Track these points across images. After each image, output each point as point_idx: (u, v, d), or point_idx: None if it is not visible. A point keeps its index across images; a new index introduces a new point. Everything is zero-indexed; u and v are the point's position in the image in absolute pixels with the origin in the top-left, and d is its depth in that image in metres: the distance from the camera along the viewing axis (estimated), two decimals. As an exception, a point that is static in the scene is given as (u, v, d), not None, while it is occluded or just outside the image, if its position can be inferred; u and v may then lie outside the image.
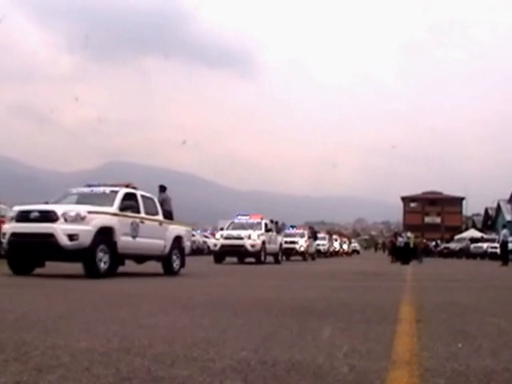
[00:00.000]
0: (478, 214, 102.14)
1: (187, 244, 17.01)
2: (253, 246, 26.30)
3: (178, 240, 16.20)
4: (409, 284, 14.68)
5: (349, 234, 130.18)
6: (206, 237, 50.19)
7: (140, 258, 15.46)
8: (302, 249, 36.36)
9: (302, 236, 37.51)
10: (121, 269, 14.70)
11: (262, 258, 26.57)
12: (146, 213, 15.01)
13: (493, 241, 47.86)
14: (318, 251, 44.01)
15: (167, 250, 15.64)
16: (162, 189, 19.59)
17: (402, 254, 33.62)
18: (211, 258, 28.77)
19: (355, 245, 78.37)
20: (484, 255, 48.66)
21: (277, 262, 29.25)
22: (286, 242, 34.73)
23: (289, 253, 35.59)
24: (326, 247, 47.02)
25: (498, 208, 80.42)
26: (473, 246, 54.58)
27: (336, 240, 57.17)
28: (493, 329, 6.10)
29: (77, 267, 13.08)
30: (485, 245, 50.37)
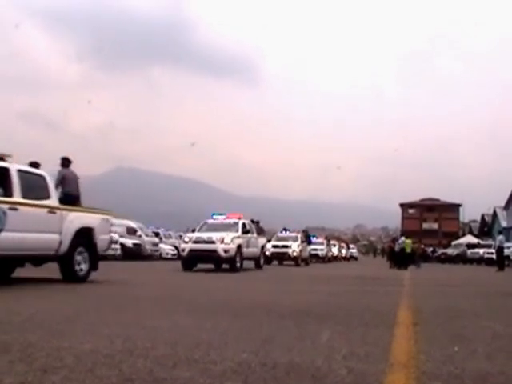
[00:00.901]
0: (474, 221, 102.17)
1: (102, 238, 13.20)
2: (226, 250, 21.56)
3: (84, 233, 12.57)
4: (406, 289, 14.71)
5: (348, 239, 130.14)
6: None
7: (16, 260, 11.93)
8: (295, 253, 34.19)
9: (294, 240, 35.30)
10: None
11: (238, 264, 21.77)
12: (25, 196, 11.06)
13: (489, 246, 47.97)
14: (316, 256, 43.18)
15: (65, 247, 12.04)
16: (65, 162, 15.56)
17: (398, 259, 33.75)
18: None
19: (353, 250, 76.51)
20: (480, 261, 48.73)
21: (258, 267, 25.56)
22: (277, 247, 34.56)
23: (281, 257, 34.52)
24: (323, 252, 45.48)
25: (494, 214, 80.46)
26: (469, 251, 54.61)
27: (334, 245, 55.96)
28: (488, 333, 6.17)
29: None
30: (481, 250, 50.43)
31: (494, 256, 35.71)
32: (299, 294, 11.43)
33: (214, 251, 21.55)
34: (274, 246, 34.77)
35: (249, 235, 24.35)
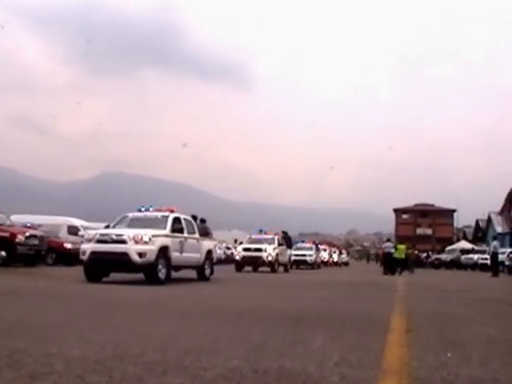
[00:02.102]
0: (468, 226, 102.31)
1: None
2: (141, 254, 22.02)
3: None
4: (400, 294, 14.70)
5: (341, 244, 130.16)
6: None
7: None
8: (270, 258, 29.41)
9: (270, 242, 30.65)
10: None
11: (161, 273, 21.74)
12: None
13: (483, 252, 47.99)
14: (304, 262, 40.81)
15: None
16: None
17: (388, 264, 33.73)
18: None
19: (343, 256, 74.86)
20: (475, 266, 48.75)
21: (202, 278, 23.79)
22: (249, 250, 30.24)
23: (254, 262, 29.96)
24: (312, 258, 42.03)
25: (489, 220, 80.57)
26: (463, 257, 54.69)
27: (325, 250, 54.22)
28: (482, 339, 6.15)
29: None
30: (475, 256, 50.47)
31: (489, 262, 35.73)
32: (292, 300, 11.37)
33: (125, 254, 15.11)
34: (246, 250, 30.51)
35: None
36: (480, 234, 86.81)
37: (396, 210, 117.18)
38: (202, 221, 21.68)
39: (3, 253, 21.33)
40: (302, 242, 46.53)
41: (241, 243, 32.85)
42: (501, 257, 35.27)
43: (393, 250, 34.55)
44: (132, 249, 15.20)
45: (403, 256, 35.14)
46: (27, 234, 22.86)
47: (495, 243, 33.93)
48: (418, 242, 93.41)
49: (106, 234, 15.83)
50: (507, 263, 37.97)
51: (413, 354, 5.00)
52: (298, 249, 42.21)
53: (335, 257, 60.81)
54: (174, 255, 16.42)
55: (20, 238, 22.18)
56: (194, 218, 20.53)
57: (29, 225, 25.05)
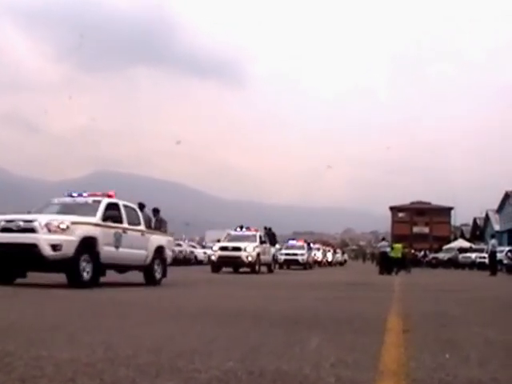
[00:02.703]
0: (466, 224, 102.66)
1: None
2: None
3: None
4: (397, 294, 14.68)
5: (337, 244, 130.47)
6: (194, 247, 50.40)
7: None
8: (250, 258, 26.60)
9: (252, 240, 27.91)
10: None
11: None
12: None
13: (481, 251, 48.07)
14: (295, 262, 39.51)
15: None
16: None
17: (383, 264, 33.79)
18: (202, 268, 28.46)
19: (338, 255, 71.57)
20: (472, 265, 48.82)
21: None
22: (227, 249, 27.58)
23: (233, 263, 27.59)
24: (304, 257, 40.01)
25: (487, 218, 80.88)
26: (461, 256, 54.82)
27: (319, 249, 52.97)
28: (480, 339, 6.12)
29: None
30: (473, 255, 50.56)
31: (487, 260, 35.81)
32: (288, 301, 11.33)
33: (34, 246, 12.12)
34: (223, 249, 27.76)
35: (123, 225, 14.28)
36: (478, 232, 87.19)
37: (392, 208, 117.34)
38: (155, 211, 18.57)
39: None
40: (293, 240, 45.16)
41: (218, 241, 30.08)
42: (499, 255, 35.39)
43: (388, 249, 34.55)
44: (43, 239, 12.09)
45: (400, 255, 35.18)
46: None
47: (493, 241, 34.04)
48: (415, 240, 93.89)
49: (12, 221, 12.65)
50: (505, 262, 38.07)
51: (410, 354, 4.95)
52: (289, 248, 41.31)
53: (329, 256, 59.50)
54: (106, 250, 13.21)
55: None
56: (142, 206, 17.23)
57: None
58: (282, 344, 5.40)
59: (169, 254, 16.37)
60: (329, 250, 61.29)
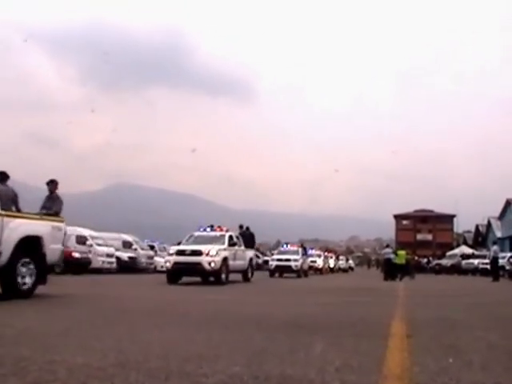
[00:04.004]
0: (468, 231, 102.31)
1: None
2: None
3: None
4: (400, 300, 14.69)
5: (342, 251, 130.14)
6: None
7: None
8: (213, 265, 20.41)
9: (218, 241, 21.99)
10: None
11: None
12: None
13: (483, 257, 47.94)
14: (287, 268, 35.01)
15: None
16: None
17: (387, 270, 33.86)
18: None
19: (341, 262, 67.47)
20: (475, 271, 48.73)
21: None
22: (183, 253, 21.14)
23: (190, 270, 21.02)
24: (298, 263, 35.35)
25: (489, 225, 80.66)
26: (464, 262, 54.67)
27: (320, 256, 49.14)
28: (483, 343, 6.16)
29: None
30: (476, 261, 50.47)
31: (489, 266, 35.71)
32: (293, 306, 11.35)
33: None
34: (180, 253, 21.21)
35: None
36: (480, 238, 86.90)
37: (396, 216, 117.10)
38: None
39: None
40: (286, 244, 40.99)
41: (179, 243, 23.45)
42: (501, 261, 35.32)
43: (392, 256, 34.61)
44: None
45: (404, 262, 35.19)
46: None
47: (495, 248, 33.92)
48: (419, 247, 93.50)
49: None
50: (507, 268, 38.02)
51: (414, 359, 5.01)
52: (282, 253, 37.59)
53: (331, 263, 55.17)
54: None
55: None
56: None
57: None
58: (286, 349, 5.46)
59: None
60: (331, 257, 57.41)
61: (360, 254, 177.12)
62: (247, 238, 25.65)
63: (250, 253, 24.91)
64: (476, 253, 59.57)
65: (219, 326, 7.47)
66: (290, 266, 35.46)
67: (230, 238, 22.95)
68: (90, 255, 30.41)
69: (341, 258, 71.51)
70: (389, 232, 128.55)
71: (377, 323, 8.18)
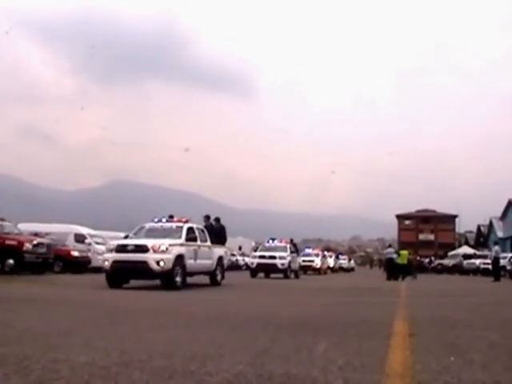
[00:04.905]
0: (470, 231, 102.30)
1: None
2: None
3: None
4: (402, 300, 14.70)
5: (345, 250, 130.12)
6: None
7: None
8: (163, 264, 16.13)
9: (173, 235, 17.83)
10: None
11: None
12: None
13: (485, 257, 48.01)
14: (273, 268, 31.32)
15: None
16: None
17: (390, 270, 33.88)
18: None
19: (343, 261, 65.63)
20: (477, 271, 48.70)
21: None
22: (124, 249, 16.73)
23: (134, 270, 16.51)
24: (285, 262, 31.30)
25: (490, 225, 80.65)
26: (466, 262, 54.64)
27: (318, 255, 46.17)
28: (484, 343, 6.17)
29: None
30: (477, 261, 50.44)
31: (490, 266, 35.72)
32: (297, 306, 11.39)
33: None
34: (121, 249, 16.87)
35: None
36: (482, 239, 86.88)
37: (398, 216, 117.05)
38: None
39: (11, 261, 21.44)
40: (273, 239, 35.57)
41: (126, 237, 19.59)
42: (502, 262, 35.35)
43: (394, 256, 34.63)
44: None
45: (406, 261, 35.21)
46: (34, 242, 22.95)
47: (497, 248, 33.89)
48: (421, 247, 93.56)
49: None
50: (508, 268, 38.01)
51: (416, 358, 5.03)
52: (266, 249, 33.49)
53: (331, 262, 53.83)
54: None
55: (27, 246, 22.25)
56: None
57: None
58: (290, 348, 5.48)
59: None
60: (330, 256, 55.59)
61: (362, 254, 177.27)
62: (216, 231, 21.44)
63: (220, 250, 20.54)
64: (477, 253, 59.59)
65: (223, 324, 7.48)
66: (274, 265, 31.43)
67: (190, 230, 18.49)
68: (90, 254, 30.01)
69: (343, 257, 71.07)
70: (391, 232, 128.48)
71: (379, 323, 8.20)
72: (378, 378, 4.19)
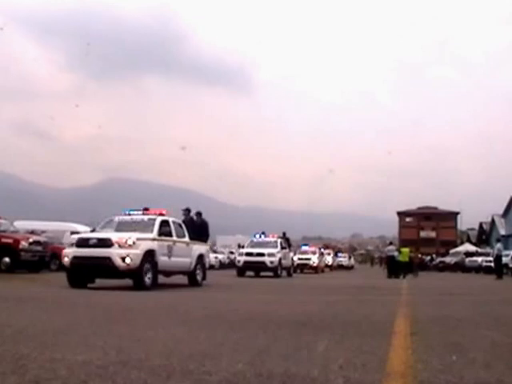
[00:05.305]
0: (472, 229, 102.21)
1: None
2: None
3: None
4: (404, 298, 14.68)
5: (345, 248, 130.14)
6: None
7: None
8: (129, 261, 14.38)
9: (144, 229, 15.82)
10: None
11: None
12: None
13: (487, 255, 47.93)
14: (260, 265, 28.98)
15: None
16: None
17: (391, 268, 33.90)
18: (213, 272, 28.05)
19: (342, 259, 65.05)
20: (479, 269, 48.67)
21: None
22: (85, 244, 15.04)
23: (97, 267, 14.73)
24: (274, 259, 29.00)
25: (493, 222, 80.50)
26: (468, 259, 54.61)
27: (314, 253, 43.63)
28: (486, 341, 6.13)
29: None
30: (479, 259, 50.41)
31: (493, 264, 35.69)
32: (297, 304, 11.36)
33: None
34: (82, 244, 14.98)
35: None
36: (484, 236, 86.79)
37: (399, 214, 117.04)
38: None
39: (7, 259, 21.31)
40: (262, 234, 32.77)
41: (93, 231, 19.12)
42: (504, 259, 35.29)
43: (395, 254, 34.64)
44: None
45: (407, 259, 35.22)
46: (31, 240, 22.82)
47: (499, 246, 33.86)
48: (422, 245, 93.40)
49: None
50: (511, 265, 37.99)
51: (417, 357, 4.99)
52: (254, 245, 30.85)
53: (329, 260, 52.79)
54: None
55: (23, 244, 22.14)
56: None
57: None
58: (290, 347, 5.44)
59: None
60: (328, 253, 54.61)
61: (363, 252, 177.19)
62: (196, 227, 19.35)
63: (200, 247, 18.57)
64: (479, 250, 59.60)
65: (222, 323, 7.45)
66: (263, 263, 29.09)
67: (164, 224, 16.45)
68: None
69: (342, 255, 70.81)
70: (392, 229, 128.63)
71: (380, 321, 8.16)
72: (379, 377, 4.15)
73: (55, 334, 6.09)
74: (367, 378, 4.10)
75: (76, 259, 14.67)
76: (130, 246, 14.45)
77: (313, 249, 45.79)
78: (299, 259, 41.06)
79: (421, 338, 6.32)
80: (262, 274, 29.23)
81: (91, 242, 14.85)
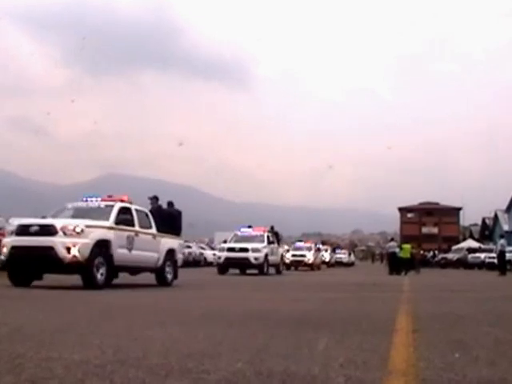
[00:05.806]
0: (475, 224, 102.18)
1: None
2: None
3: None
4: (405, 295, 14.66)
5: (346, 244, 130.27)
6: (203, 248, 50.51)
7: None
8: (75, 253, 12.47)
9: (99, 216, 13.96)
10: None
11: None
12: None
13: (490, 251, 47.90)
14: (244, 262, 26.90)
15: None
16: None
17: (392, 264, 33.92)
18: (211, 269, 27.43)
19: (341, 255, 64.59)
20: (482, 265, 48.65)
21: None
22: (25, 232, 13.22)
23: (38, 261, 12.86)
24: (259, 255, 26.80)
25: (496, 218, 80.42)
26: (470, 256, 54.60)
27: (310, 250, 41.35)
28: (489, 339, 6.09)
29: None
30: (482, 255, 50.41)
31: (496, 260, 35.65)
32: (296, 302, 11.34)
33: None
34: (22, 232, 13.90)
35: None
36: (487, 232, 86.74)
37: (401, 209, 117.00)
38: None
39: (2, 257, 21.27)
40: (249, 228, 30.54)
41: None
42: (508, 255, 35.22)
43: (397, 250, 34.62)
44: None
45: (409, 256, 35.17)
46: None
47: (502, 241, 33.81)
48: (424, 241, 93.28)
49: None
50: (515, 261, 37.92)
51: (419, 354, 4.94)
52: (238, 240, 28.61)
53: (326, 256, 52.20)
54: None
55: None
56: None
57: None
58: (290, 345, 5.39)
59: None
60: (325, 250, 54.26)
61: (364, 248, 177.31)
62: (165, 217, 16.86)
63: (171, 241, 16.31)
64: (482, 246, 59.63)
65: (222, 321, 7.41)
66: (246, 259, 26.73)
67: (124, 211, 14.41)
68: None
69: (342, 251, 70.60)
70: (393, 225, 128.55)
71: (382, 318, 8.12)
72: (381, 375, 4.09)
73: (52, 332, 6.02)
74: (368, 377, 4.05)
75: (14, 249, 12.83)
76: (77, 233, 12.43)
77: (308, 245, 43.41)
78: (293, 256, 39.99)
79: (423, 335, 6.27)
80: (248, 271, 27.52)
81: (32, 229, 12.84)
